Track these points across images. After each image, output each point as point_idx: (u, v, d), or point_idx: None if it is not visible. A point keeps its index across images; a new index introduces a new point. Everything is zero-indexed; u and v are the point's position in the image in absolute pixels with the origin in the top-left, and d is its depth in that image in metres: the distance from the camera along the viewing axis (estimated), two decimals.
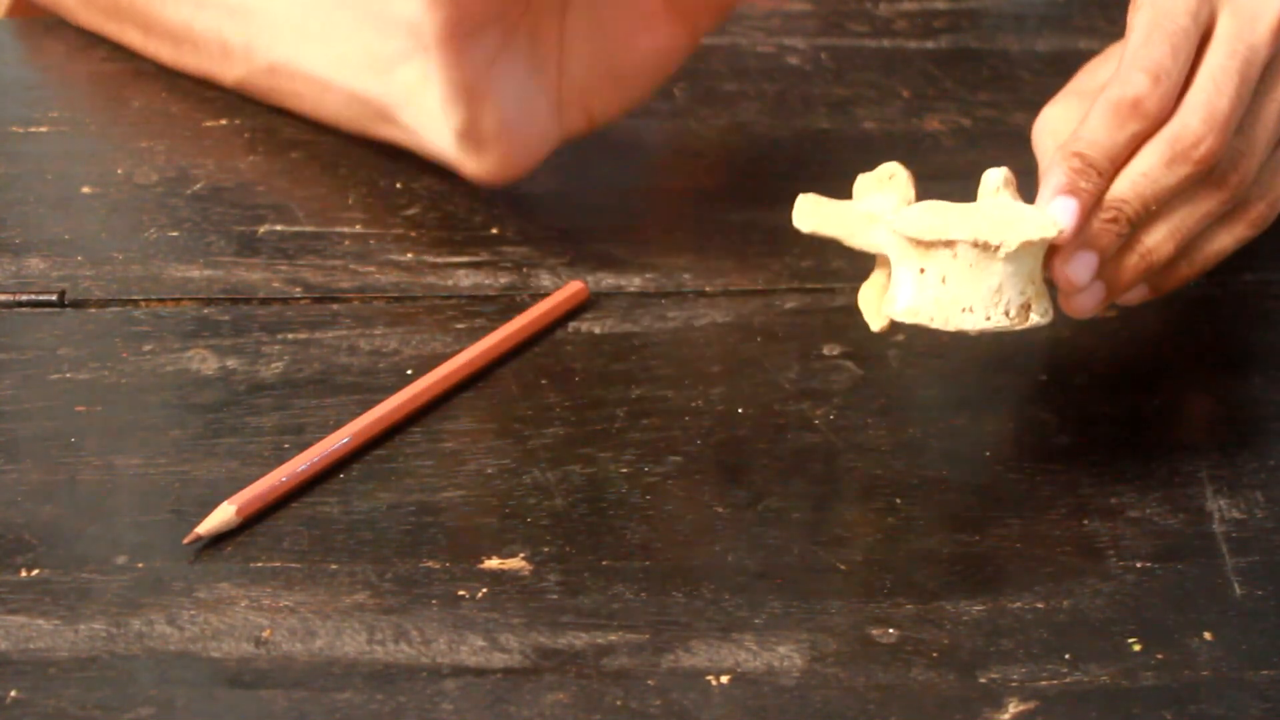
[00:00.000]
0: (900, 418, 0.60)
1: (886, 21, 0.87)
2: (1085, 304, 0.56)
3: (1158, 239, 0.56)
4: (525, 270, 0.67)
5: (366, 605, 0.52)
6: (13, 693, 0.49)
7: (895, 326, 0.55)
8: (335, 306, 0.65)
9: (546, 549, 0.54)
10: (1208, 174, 0.55)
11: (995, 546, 0.54)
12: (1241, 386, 0.62)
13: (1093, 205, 0.55)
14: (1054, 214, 0.54)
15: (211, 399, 0.60)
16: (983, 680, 0.50)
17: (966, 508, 0.56)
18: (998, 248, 0.53)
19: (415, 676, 0.50)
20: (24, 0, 0.84)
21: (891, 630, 0.51)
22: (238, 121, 0.76)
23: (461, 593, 0.52)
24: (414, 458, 0.57)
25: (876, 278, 0.56)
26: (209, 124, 0.76)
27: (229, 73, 0.75)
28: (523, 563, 0.53)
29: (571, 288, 0.65)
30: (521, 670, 0.50)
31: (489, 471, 0.57)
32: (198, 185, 0.71)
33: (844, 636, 0.51)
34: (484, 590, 0.52)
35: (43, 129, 0.75)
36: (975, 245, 0.53)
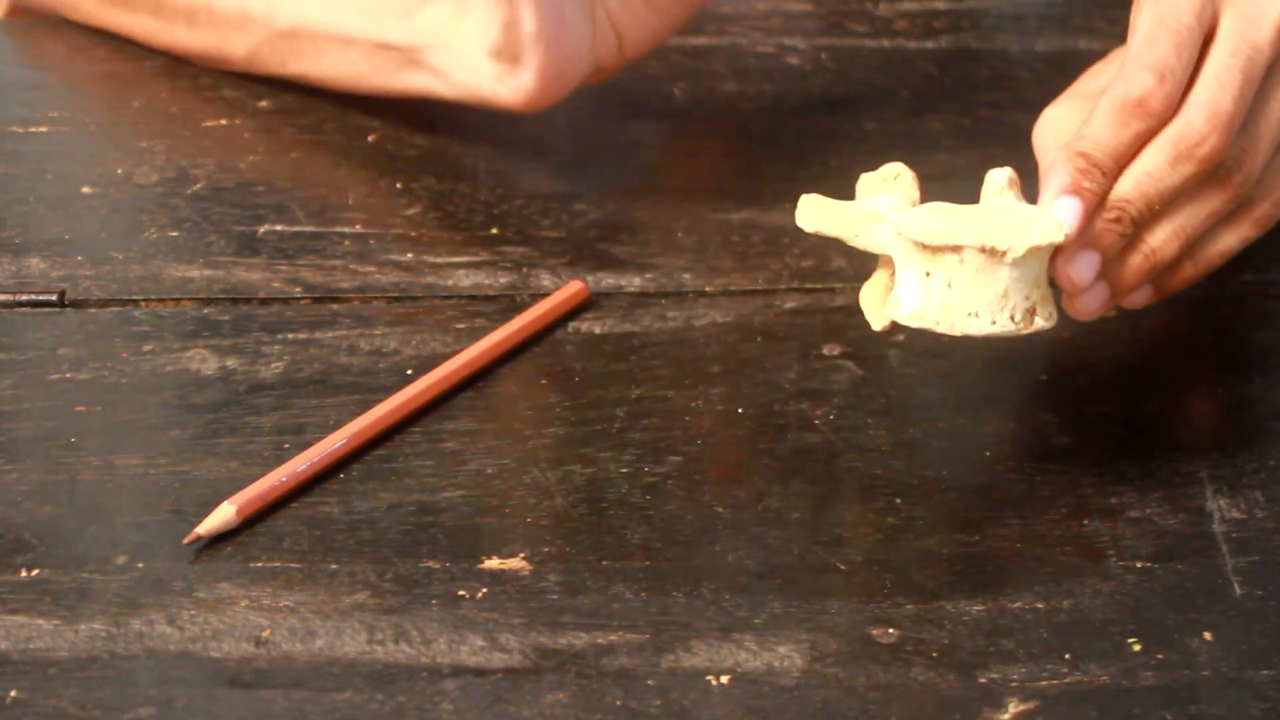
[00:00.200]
0: (900, 418, 0.60)
1: (886, 21, 0.86)
2: (1089, 305, 0.56)
3: (1162, 239, 0.56)
4: (525, 270, 0.67)
5: (366, 605, 0.52)
6: (13, 693, 0.49)
7: (896, 326, 0.55)
8: (335, 306, 0.64)
9: (546, 549, 0.54)
10: (1212, 173, 0.55)
11: (995, 546, 0.54)
12: (1241, 386, 0.62)
13: (1096, 205, 0.54)
14: (1057, 214, 0.54)
15: (211, 399, 0.60)
16: (983, 680, 0.50)
17: (966, 508, 0.56)
18: (1004, 253, 0.52)
19: (415, 676, 0.49)
20: (22, 2, 0.84)
21: (891, 630, 0.51)
22: (238, 121, 0.75)
23: (461, 593, 0.52)
24: (414, 458, 0.57)
25: (879, 277, 0.56)
26: (209, 124, 0.75)
27: (242, 44, 0.75)
28: (523, 563, 0.53)
29: (571, 288, 0.65)
30: (521, 670, 0.50)
31: (489, 471, 0.57)
32: (198, 185, 0.71)
33: (844, 636, 0.51)
34: (484, 590, 0.52)
35: (43, 129, 0.75)
36: (982, 251, 0.52)
